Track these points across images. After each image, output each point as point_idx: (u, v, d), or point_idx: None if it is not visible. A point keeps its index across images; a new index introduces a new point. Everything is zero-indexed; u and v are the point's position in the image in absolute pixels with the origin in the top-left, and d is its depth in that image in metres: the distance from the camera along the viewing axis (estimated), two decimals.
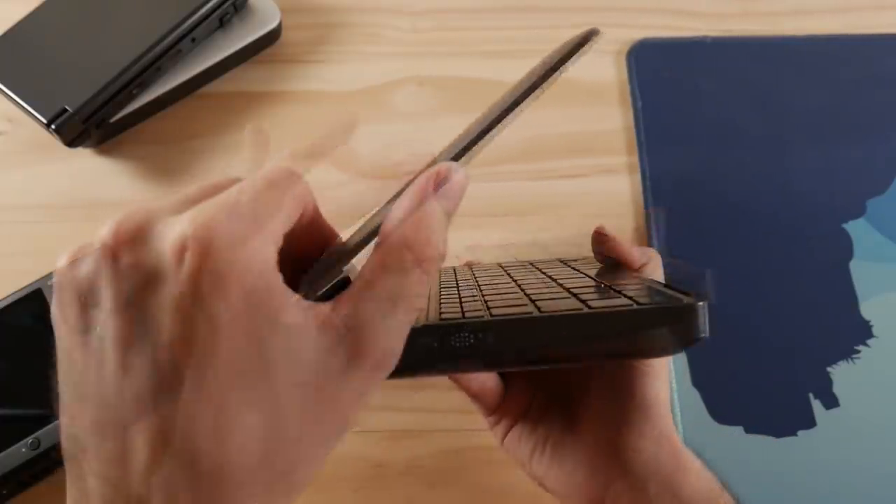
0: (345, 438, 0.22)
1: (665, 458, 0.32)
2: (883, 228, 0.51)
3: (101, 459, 0.20)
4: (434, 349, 0.25)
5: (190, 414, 0.20)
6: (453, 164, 0.24)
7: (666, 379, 0.35)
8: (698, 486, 0.32)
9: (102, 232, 0.21)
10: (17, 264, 0.49)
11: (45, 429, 0.42)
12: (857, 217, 0.51)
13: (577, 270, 0.36)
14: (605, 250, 0.37)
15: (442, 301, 0.29)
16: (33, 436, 0.42)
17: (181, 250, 0.20)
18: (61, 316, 0.22)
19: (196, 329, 0.20)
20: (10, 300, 0.46)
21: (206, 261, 0.20)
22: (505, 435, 0.38)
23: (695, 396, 0.46)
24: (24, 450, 0.41)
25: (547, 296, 0.28)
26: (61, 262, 0.22)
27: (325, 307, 0.22)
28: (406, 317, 0.22)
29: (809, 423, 0.45)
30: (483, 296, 0.30)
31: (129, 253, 0.21)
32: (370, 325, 0.22)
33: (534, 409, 0.38)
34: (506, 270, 0.38)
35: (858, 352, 0.47)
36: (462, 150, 0.23)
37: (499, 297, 0.29)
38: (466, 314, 0.26)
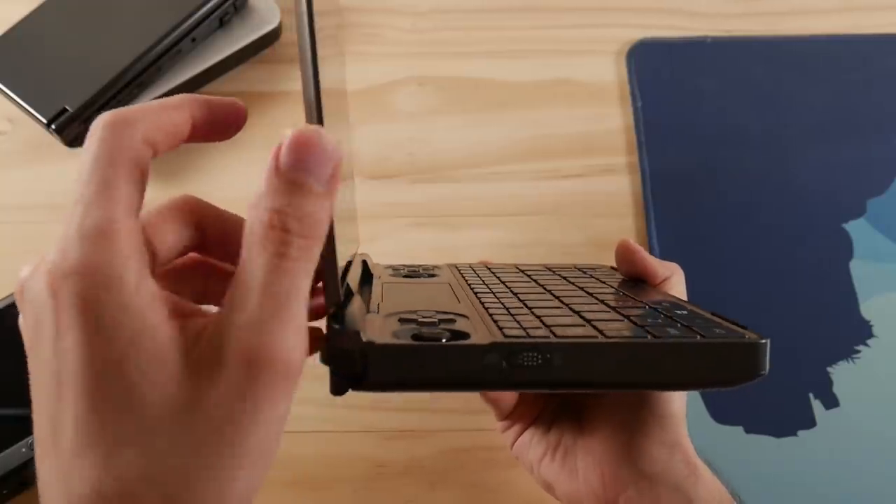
0: (266, 463, 0.20)
1: (678, 466, 0.32)
2: (883, 228, 0.51)
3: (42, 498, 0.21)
4: (502, 368, 0.24)
5: (72, 453, 0.19)
6: (291, 129, 0.21)
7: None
8: (709, 498, 0.32)
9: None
10: (17, 264, 0.49)
11: None
12: (857, 217, 0.51)
13: (604, 283, 0.36)
14: (631, 264, 0.37)
15: (490, 310, 0.29)
16: (33, 436, 0.42)
17: (47, 288, 0.20)
18: None
19: (65, 364, 0.19)
20: (10, 300, 0.46)
21: (58, 294, 0.19)
22: (515, 440, 0.38)
23: (695, 396, 0.46)
24: (24, 450, 0.41)
25: (600, 316, 0.28)
26: None
27: (189, 307, 0.21)
28: (285, 303, 0.20)
29: (809, 423, 0.45)
30: (531, 310, 0.29)
31: (25, 292, 0.21)
32: (233, 325, 0.20)
33: (545, 414, 0.37)
34: (531, 277, 0.38)
35: (858, 352, 0.47)
36: (316, 113, 0.22)
37: (549, 312, 0.29)
38: (530, 332, 0.26)
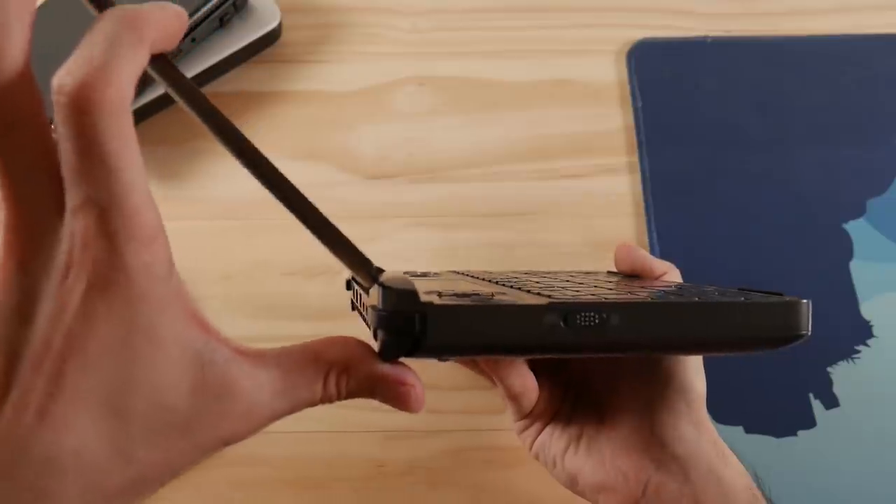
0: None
1: (706, 446, 0.32)
2: (883, 228, 0.51)
3: None
4: (559, 328, 0.24)
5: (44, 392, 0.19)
6: None
7: (701, 368, 0.34)
8: (737, 481, 0.31)
9: None
10: None
11: None
12: (857, 217, 0.51)
13: (610, 280, 0.36)
14: (631, 261, 0.37)
15: (525, 289, 0.28)
16: None
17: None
18: None
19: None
20: None
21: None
22: (535, 438, 0.37)
23: None
24: None
25: (634, 290, 0.28)
26: None
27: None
28: None
29: (809, 423, 0.45)
30: (562, 289, 0.29)
31: None
32: None
33: (565, 408, 0.37)
34: (542, 276, 0.38)
35: (858, 352, 0.47)
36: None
37: (581, 290, 0.28)
38: (579, 297, 0.26)
